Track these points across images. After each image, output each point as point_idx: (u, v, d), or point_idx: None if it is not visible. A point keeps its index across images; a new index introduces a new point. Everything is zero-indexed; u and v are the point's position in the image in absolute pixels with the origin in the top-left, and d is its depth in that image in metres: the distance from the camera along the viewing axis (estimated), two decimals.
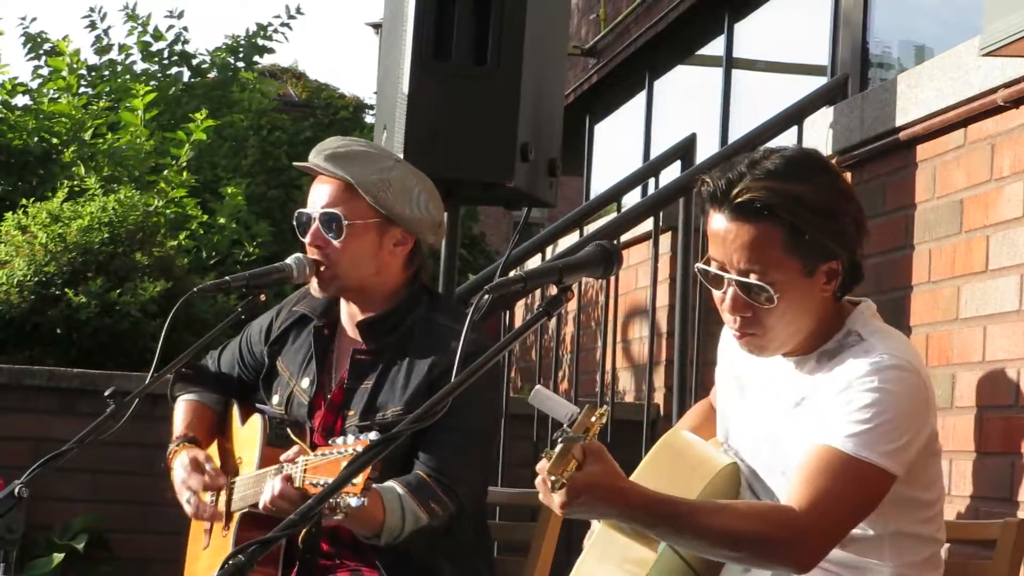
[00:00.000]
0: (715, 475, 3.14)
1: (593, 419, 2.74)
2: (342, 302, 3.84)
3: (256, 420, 3.76)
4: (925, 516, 3.11)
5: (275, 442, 3.63)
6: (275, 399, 3.86)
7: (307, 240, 3.76)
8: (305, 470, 3.30)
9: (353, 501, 2.92)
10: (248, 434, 3.79)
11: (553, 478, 2.73)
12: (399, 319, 3.75)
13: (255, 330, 4.01)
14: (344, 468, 2.81)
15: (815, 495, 2.91)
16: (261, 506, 3.45)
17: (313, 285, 3.77)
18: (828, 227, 2.99)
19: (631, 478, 3.13)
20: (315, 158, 3.75)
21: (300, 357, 3.85)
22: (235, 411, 3.92)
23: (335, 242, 3.72)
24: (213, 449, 3.92)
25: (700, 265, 3.09)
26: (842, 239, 3.02)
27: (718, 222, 3.03)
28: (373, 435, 3.08)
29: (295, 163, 3.85)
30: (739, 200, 2.98)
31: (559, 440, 2.72)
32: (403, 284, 3.79)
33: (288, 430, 3.68)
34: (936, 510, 3.15)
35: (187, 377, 4.02)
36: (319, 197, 3.75)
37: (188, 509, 3.76)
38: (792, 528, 2.89)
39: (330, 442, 3.26)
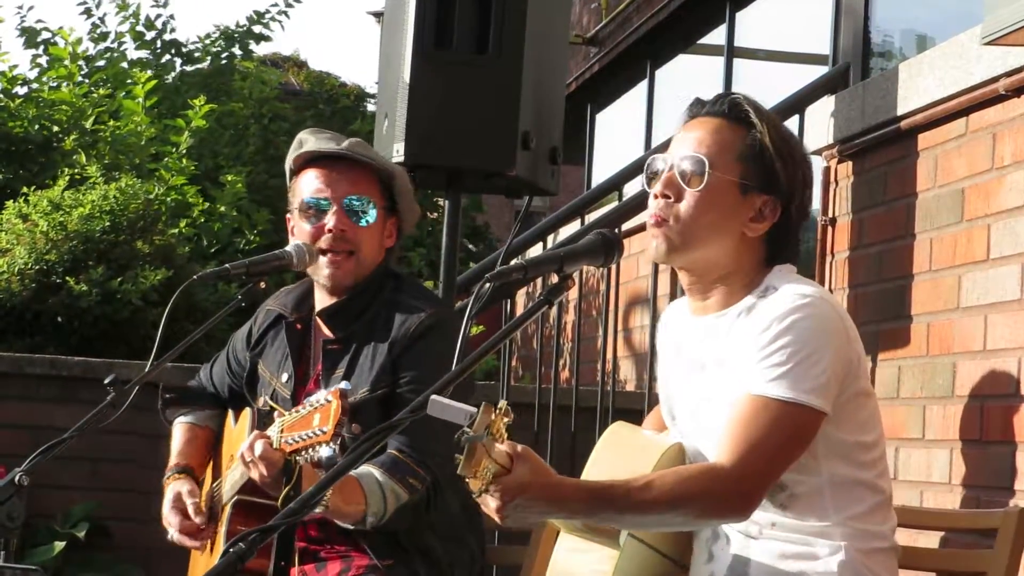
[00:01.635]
0: (661, 456, 3.15)
1: (493, 415, 2.72)
2: (316, 295, 3.85)
3: (245, 414, 3.77)
4: (863, 460, 3.12)
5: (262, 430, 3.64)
6: (260, 401, 3.88)
7: (329, 225, 3.75)
8: (282, 430, 3.31)
9: (324, 451, 2.93)
10: (239, 430, 3.80)
11: (468, 479, 2.75)
12: (363, 305, 3.77)
13: (239, 338, 4.03)
14: (345, 456, 2.81)
15: (739, 445, 2.97)
16: (238, 455, 3.46)
17: (327, 272, 3.76)
18: (784, 161, 3.11)
19: (582, 474, 3.16)
20: (339, 145, 3.77)
21: (279, 356, 3.88)
22: (230, 417, 3.93)
23: (360, 228, 3.74)
24: (210, 468, 3.94)
25: (652, 156, 3.21)
26: (789, 178, 3.11)
27: (688, 126, 3.18)
28: (343, 384, 3.11)
29: (304, 151, 3.83)
30: (718, 100, 3.15)
31: (461, 441, 2.72)
32: (372, 273, 3.81)
33: (275, 415, 3.68)
34: (875, 454, 3.15)
35: (175, 401, 4.03)
36: (339, 183, 3.76)
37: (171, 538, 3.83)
38: (719, 482, 2.95)
39: (305, 400, 3.27)
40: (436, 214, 9.65)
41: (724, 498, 2.96)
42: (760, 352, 3.00)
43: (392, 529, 3.59)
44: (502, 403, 2.77)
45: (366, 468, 3.53)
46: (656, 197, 3.14)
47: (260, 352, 3.94)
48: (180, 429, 4.00)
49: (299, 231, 3.82)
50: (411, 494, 3.55)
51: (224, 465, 3.85)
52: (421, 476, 3.58)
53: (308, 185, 3.81)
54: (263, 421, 3.68)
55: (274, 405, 3.79)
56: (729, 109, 3.13)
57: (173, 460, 3.93)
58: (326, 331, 3.82)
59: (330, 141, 3.80)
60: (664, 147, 6.05)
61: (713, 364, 3.14)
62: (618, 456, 3.21)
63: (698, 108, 3.18)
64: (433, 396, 2.78)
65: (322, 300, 3.84)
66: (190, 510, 3.77)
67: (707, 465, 3.03)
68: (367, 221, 3.75)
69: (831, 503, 3.07)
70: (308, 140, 3.84)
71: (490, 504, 2.85)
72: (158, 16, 10.92)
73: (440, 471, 3.62)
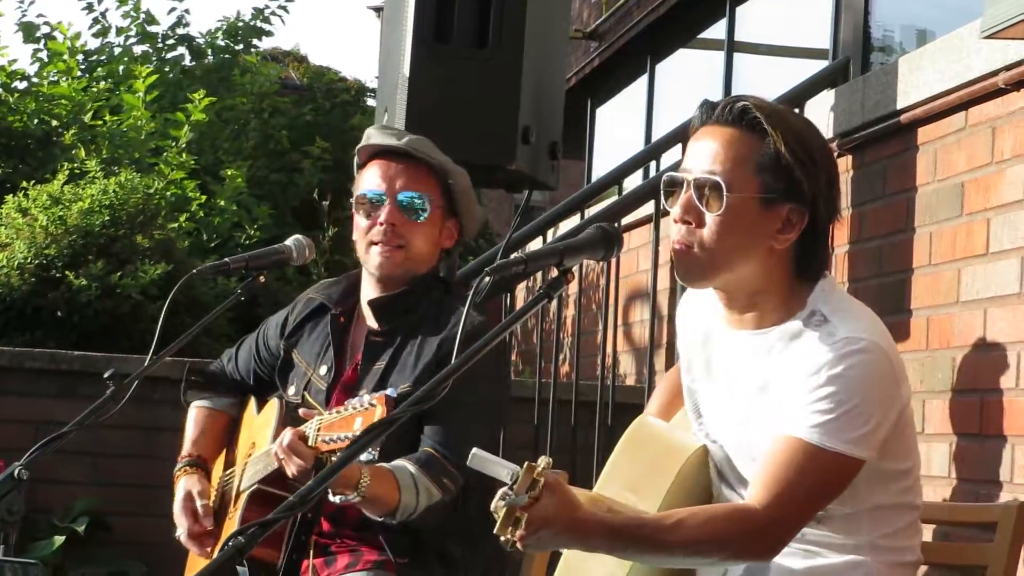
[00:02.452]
0: (686, 462, 3.15)
1: (535, 475, 2.72)
2: (364, 287, 3.85)
3: (272, 404, 3.78)
4: (902, 486, 3.09)
5: (290, 423, 3.63)
6: (291, 390, 3.88)
7: (380, 219, 3.75)
8: (319, 429, 3.31)
9: (364, 456, 2.93)
10: (264, 418, 3.81)
11: (503, 538, 2.74)
12: (412, 301, 3.78)
13: (272, 325, 4.03)
14: (346, 449, 2.81)
15: (776, 489, 2.91)
16: (272, 453, 3.46)
17: (377, 262, 3.76)
18: (803, 160, 2.97)
19: (603, 473, 3.15)
20: (399, 140, 3.78)
21: (317, 347, 3.87)
22: (252, 404, 3.94)
23: (413, 224, 3.76)
24: (221, 458, 3.95)
25: (668, 173, 3.08)
26: (811, 183, 2.98)
27: (700, 134, 3.04)
28: (390, 390, 3.11)
29: (365, 144, 3.83)
30: (728, 106, 3.01)
31: (502, 504, 2.72)
32: (426, 272, 3.82)
33: (302, 411, 3.68)
34: (913, 477, 3.12)
35: (198, 384, 4.04)
36: (397, 178, 3.77)
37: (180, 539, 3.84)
38: (750, 527, 2.91)
39: (347, 401, 3.27)
40: None
41: (753, 543, 2.92)
42: (807, 395, 2.92)
43: (417, 528, 3.59)
44: (546, 461, 2.74)
45: (401, 462, 3.54)
46: (676, 221, 3.03)
47: (296, 341, 3.94)
48: (197, 414, 4.00)
49: (356, 223, 3.82)
50: (444, 493, 3.56)
51: (242, 452, 3.86)
52: (455, 476, 3.58)
53: (367, 179, 3.81)
54: (291, 414, 3.68)
55: (306, 396, 3.80)
56: (740, 116, 2.99)
57: (186, 449, 3.94)
58: (370, 323, 3.83)
59: (392, 137, 3.81)
60: (670, 141, 5.97)
61: (751, 388, 3.07)
62: (641, 456, 3.20)
63: (708, 113, 3.05)
64: (475, 450, 2.79)
65: (370, 292, 3.84)
66: (200, 512, 3.78)
67: (737, 508, 2.99)
68: (420, 217, 3.76)
69: (866, 525, 3.06)
70: (372, 135, 3.85)
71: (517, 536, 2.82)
72: (172, 9, 10.95)
73: (471, 475, 3.63)
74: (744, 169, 2.97)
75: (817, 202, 2.99)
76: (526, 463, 2.74)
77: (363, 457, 3.00)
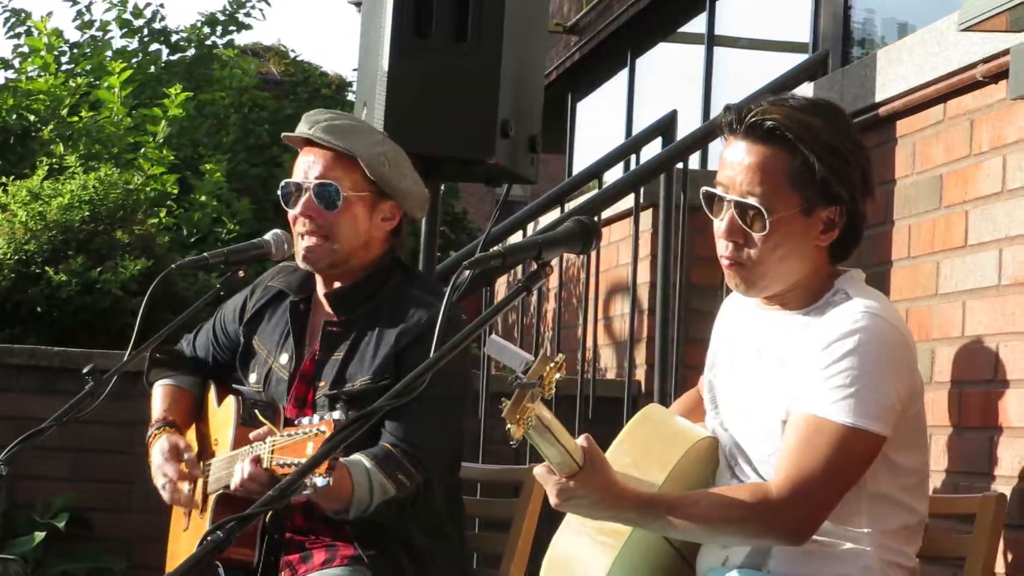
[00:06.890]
0: (689, 448, 3.17)
1: (549, 367, 2.76)
2: (317, 276, 3.83)
3: (230, 401, 3.76)
4: (905, 483, 3.13)
5: (247, 422, 3.63)
6: (252, 378, 3.86)
7: (297, 211, 3.73)
8: (272, 451, 3.30)
9: (319, 481, 2.94)
10: (223, 416, 3.79)
11: (510, 426, 2.75)
12: (370, 291, 3.76)
13: (228, 310, 4.00)
14: (321, 447, 2.81)
15: (793, 470, 2.96)
16: (232, 488, 3.47)
17: (301, 255, 3.75)
18: (836, 166, 3.05)
19: (609, 449, 3.17)
20: (310, 129, 3.74)
21: (277, 334, 3.85)
22: (212, 393, 3.91)
23: (330, 213, 3.71)
24: (191, 433, 3.93)
25: (705, 188, 3.14)
26: (847, 184, 3.07)
27: (731, 146, 3.10)
28: (337, 414, 3.11)
29: (286, 135, 3.83)
30: (753, 120, 3.06)
31: (514, 386, 2.74)
32: (379, 258, 3.79)
33: (258, 411, 3.66)
34: (917, 479, 3.17)
35: (162, 362, 4.02)
36: (312, 168, 3.73)
37: (164, 495, 3.78)
38: (767, 508, 2.95)
39: (296, 423, 3.27)
40: None
41: (771, 523, 2.97)
42: (823, 372, 2.99)
43: (376, 521, 3.59)
44: (559, 357, 2.79)
45: (357, 457, 3.52)
46: (722, 238, 3.12)
47: (256, 327, 3.92)
48: (163, 390, 3.97)
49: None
50: (399, 490, 3.54)
51: (207, 448, 3.84)
52: (411, 474, 3.56)
53: (294, 169, 3.80)
54: (248, 413, 3.67)
55: (259, 395, 3.78)
56: (769, 133, 3.05)
57: (160, 414, 3.90)
58: (327, 312, 3.81)
59: (307, 124, 3.77)
60: (650, 135, 5.97)
61: (772, 362, 3.14)
62: (646, 440, 3.23)
63: (735, 123, 3.10)
64: (492, 336, 2.82)
65: (324, 283, 3.82)
66: (188, 460, 3.75)
67: (754, 487, 3.02)
68: (335, 206, 3.71)
69: (866, 516, 3.09)
70: (301, 123, 3.82)
71: (551, 492, 2.93)
72: (147, 5, 10.91)
73: (433, 469, 3.62)
74: (781, 187, 3.06)
75: (855, 198, 3.10)
76: (542, 352, 2.78)
77: (319, 482, 3.00)
